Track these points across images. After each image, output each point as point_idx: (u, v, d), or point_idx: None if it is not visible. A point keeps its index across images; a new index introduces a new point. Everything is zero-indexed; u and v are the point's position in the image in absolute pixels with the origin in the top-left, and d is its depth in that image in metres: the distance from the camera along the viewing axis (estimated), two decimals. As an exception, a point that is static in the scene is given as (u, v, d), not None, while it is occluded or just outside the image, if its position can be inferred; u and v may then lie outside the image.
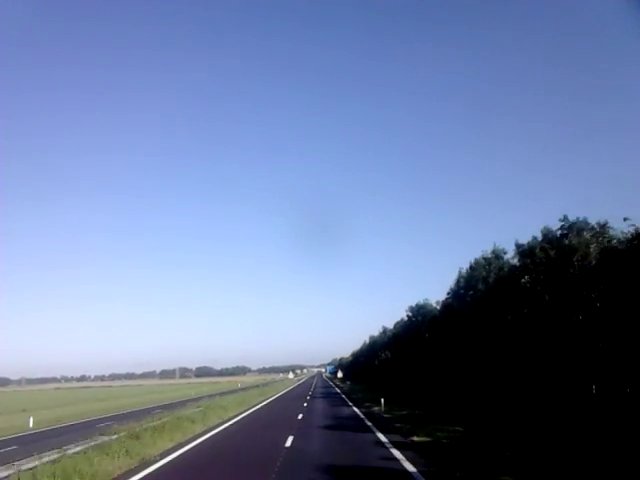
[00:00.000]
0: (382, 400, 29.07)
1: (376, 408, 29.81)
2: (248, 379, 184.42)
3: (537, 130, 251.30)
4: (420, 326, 42.46)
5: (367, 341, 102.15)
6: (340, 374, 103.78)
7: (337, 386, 74.40)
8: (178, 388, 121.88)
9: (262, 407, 34.19)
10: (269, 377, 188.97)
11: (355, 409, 30.01)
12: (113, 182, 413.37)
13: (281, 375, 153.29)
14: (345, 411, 29.16)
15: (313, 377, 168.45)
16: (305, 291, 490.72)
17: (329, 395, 48.87)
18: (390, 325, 75.42)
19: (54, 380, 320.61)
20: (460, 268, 32.31)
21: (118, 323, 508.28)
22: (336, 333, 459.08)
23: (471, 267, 31.00)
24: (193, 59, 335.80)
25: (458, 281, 32.29)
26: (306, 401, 38.71)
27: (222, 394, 53.87)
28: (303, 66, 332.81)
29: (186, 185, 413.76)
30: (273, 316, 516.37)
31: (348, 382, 70.38)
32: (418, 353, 40.16)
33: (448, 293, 34.43)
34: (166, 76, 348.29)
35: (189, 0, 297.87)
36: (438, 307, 37.66)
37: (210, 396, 50.16)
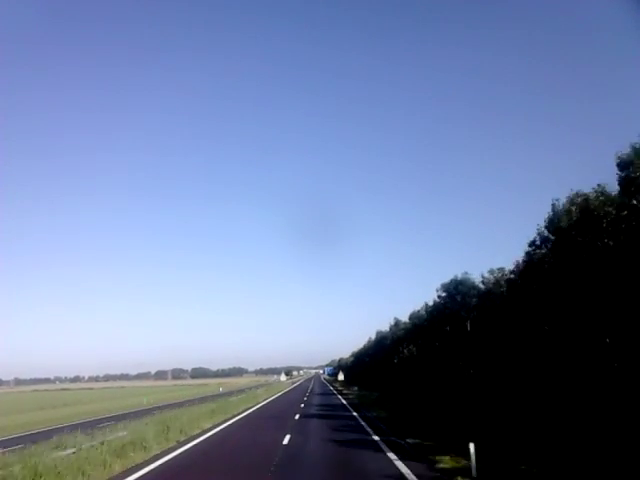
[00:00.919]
0: (471, 448, 10.90)
1: (444, 463, 11.87)
2: (242, 381, 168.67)
3: (538, 129, 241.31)
4: (459, 309, 31.50)
5: (373, 338, 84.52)
6: (341, 376, 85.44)
7: (340, 392, 55.90)
8: (158, 391, 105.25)
9: (184, 454, 15.60)
10: (263, 379, 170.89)
11: (404, 469, 11.76)
12: (110, 181, 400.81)
13: (275, 377, 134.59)
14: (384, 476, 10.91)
15: (310, 379, 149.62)
16: (303, 293, 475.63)
17: (332, 412, 30.37)
18: (403, 317, 58.82)
19: (47, 381, 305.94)
20: (554, 201, 16.49)
21: (115, 323, 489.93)
22: (334, 335, 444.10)
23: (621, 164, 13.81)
24: (193, 58, 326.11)
25: (554, 220, 16.72)
26: (291, 429, 20.27)
27: (179, 405, 36.21)
28: (303, 65, 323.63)
29: (183, 184, 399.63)
30: (270, 317, 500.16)
31: (355, 388, 52.18)
32: (455, 348, 29.20)
33: (531, 244, 18.57)
34: (166, 75, 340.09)
35: (190, 0, 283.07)
36: (492, 277, 25.52)
37: (159, 408, 32.68)
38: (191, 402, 40.16)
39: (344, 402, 38.41)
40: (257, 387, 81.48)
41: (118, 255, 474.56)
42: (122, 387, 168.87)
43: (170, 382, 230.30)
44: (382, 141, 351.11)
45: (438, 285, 43.15)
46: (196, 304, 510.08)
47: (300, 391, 63.91)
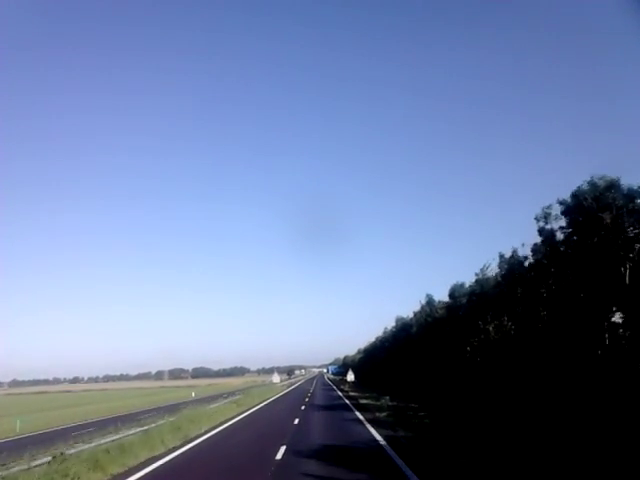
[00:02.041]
0: None
1: None
2: (236, 382, 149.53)
3: (538, 128, 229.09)
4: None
5: (389, 328, 63.03)
6: (351, 376, 63.38)
7: (357, 405, 33.68)
8: (124, 396, 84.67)
9: None
10: (260, 379, 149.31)
11: None
12: (110, 183, 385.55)
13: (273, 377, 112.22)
14: None
15: (312, 380, 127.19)
16: (305, 292, 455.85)
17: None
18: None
19: (46, 382, 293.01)
20: None
21: (116, 324, 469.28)
22: (336, 334, 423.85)
23: None
24: (192, 61, 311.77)
25: None
26: None
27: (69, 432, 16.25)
28: (302, 66, 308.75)
29: (184, 185, 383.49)
30: (273, 316, 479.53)
31: (387, 397, 29.72)
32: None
33: None
34: (166, 77, 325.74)
35: (190, 2, 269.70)
36: None
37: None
38: (98, 425, 19.48)
39: (380, 441, 16.17)
40: (242, 390, 59.86)
41: (119, 256, 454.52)
42: (104, 390, 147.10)
43: (162, 383, 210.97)
44: (383, 141, 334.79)
45: (553, 202, 20.72)
46: (198, 304, 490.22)
47: (293, 401, 41.90)
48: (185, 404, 35.25)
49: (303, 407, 32.18)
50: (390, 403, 28.85)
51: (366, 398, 38.76)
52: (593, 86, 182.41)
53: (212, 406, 30.05)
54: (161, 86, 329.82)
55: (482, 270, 30.15)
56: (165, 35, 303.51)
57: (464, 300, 33.09)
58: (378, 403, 33.29)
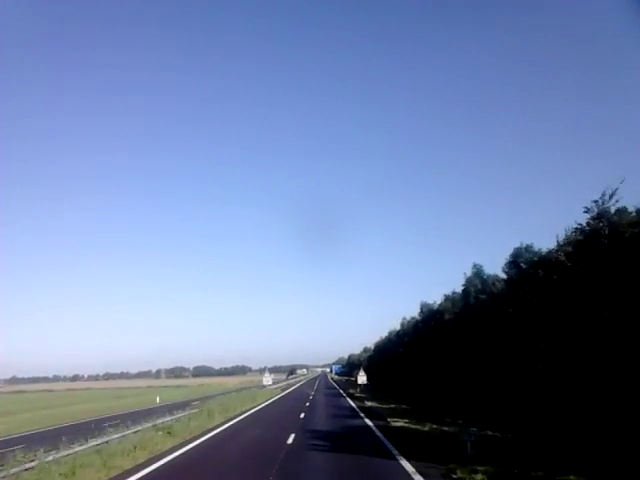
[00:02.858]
0: None
1: None
2: (233, 381, 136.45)
3: (538, 130, 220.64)
4: None
5: (409, 318, 48.19)
6: (363, 378, 48.30)
7: (394, 436, 18.62)
8: (96, 398, 70.40)
9: None
10: (258, 379, 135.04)
11: None
12: (110, 182, 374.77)
13: (271, 377, 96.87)
14: None
15: (314, 380, 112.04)
16: (306, 291, 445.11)
17: None
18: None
19: (45, 380, 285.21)
20: None
21: (117, 322, 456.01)
22: (339, 333, 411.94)
23: None
24: (192, 61, 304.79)
25: None
26: None
27: None
28: (302, 67, 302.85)
29: (184, 185, 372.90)
30: (274, 316, 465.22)
31: (473, 431, 15.19)
32: None
33: None
34: (165, 77, 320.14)
35: (190, 2, 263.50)
36: None
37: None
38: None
39: None
40: (225, 394, 45.10)
41: (123, 255, 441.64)
42: (88, 389, 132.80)
43: (157, 382, 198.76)
44: (382, 142, 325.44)
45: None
46: (200, 303, 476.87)
47: (280, 420, 26.53)
48: (96, 423, 20.36)
49: (292, 437, 16.88)
50: (468, 437, 13.73)
51: (396, 415, 23.48)
52: (594, 88, 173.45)
53: (101, 441, 14.80)
54: (161, 86, 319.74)
55: (600, 200, 14.98)
56: (165, 35, 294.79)
57: (559, 254, 18.17)
58: (425, 429, 18.16)
